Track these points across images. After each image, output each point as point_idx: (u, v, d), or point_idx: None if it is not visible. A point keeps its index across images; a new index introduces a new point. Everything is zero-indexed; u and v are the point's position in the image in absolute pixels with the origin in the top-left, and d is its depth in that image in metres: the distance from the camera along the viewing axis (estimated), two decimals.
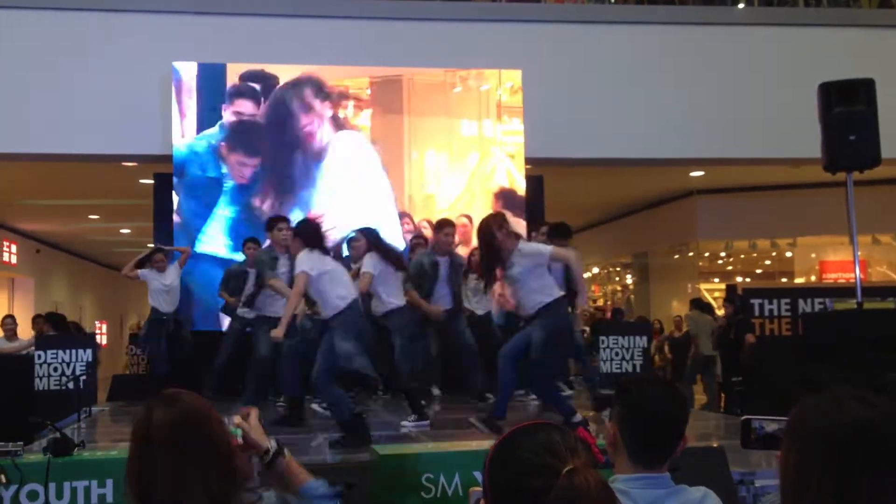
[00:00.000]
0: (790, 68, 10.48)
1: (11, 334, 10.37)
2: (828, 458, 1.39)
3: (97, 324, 21.50)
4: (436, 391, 9.07)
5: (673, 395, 2.23)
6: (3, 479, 3.78)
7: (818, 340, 7.03)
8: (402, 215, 9.95)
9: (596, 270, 20.81)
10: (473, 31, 10.37)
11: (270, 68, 9.84)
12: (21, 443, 4.04)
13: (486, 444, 4.08)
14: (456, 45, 10.25)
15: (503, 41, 10.37)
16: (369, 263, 7.04)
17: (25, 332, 11.52)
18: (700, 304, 12.32)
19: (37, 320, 11.73)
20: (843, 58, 9.84)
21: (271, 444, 2.31)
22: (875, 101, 6.93)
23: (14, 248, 17.20)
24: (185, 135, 9.66)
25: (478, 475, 3.76)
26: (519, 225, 9.88)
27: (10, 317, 10.98)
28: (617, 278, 20.87)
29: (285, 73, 9.85)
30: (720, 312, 12.26)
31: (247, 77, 9.79)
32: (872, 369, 5.72)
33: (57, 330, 10.95)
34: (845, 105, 6.85)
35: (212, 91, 9.72)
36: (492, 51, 10.27)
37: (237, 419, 2.32)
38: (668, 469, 2.19)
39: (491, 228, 6.31)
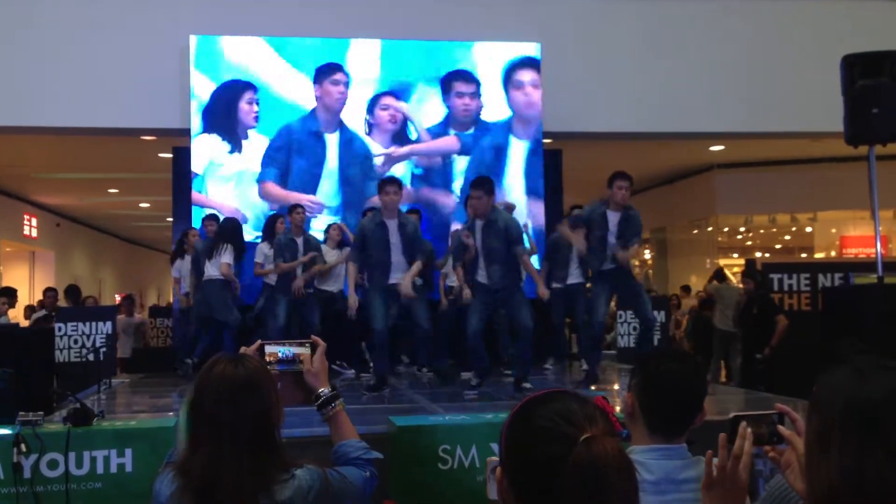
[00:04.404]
0: (812, 41, 10.34)
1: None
2: (846, 428, 1.38)
3: (117, 297, 21.62)
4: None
5: (692, 367, 2.23)
6: (24, 448, 3.82)
7: (838, 315, 6.99)
8: None
9: None
10: (492, 3, 10.28)
11: None
12: (41, 413, 4.07)
13: (502, 415, 4.08)
14: (474, 17, 10.16)
15: (522, 14, 10.27)
16: None
17: None
18: (723, 276, 11.90)
19: (48, 293, 11.55)
20: (866, 30, 9.71)
21: (324, 390, 2.27)
22: None
23: (35, 221, 17.31)
24: None
25: (494, 447, 3.76)
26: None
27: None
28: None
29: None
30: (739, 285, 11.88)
31: None
32: (893, 344, 5.67)
33: (71, 303, 10.85)
34: (869, 78, 6.75)
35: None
36: (510, 23, 10.18)
37: (301, 352, 2.30)
38: (686, 441, 2.18)
39: None
